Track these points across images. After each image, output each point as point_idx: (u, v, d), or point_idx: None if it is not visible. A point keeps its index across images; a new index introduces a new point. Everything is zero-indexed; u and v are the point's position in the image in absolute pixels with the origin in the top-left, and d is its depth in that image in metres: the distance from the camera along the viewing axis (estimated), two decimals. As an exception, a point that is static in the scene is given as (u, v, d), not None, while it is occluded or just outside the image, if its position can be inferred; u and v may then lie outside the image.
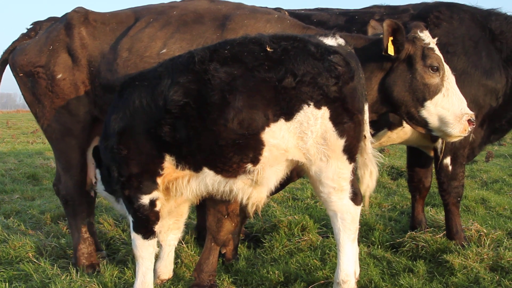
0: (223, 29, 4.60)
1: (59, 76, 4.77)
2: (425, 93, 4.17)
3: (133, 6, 5.47)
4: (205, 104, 3.67)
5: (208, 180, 3.85)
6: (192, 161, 3.83)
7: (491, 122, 5.29)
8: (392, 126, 5.16)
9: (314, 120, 3.64)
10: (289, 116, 3.64)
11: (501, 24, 5.21)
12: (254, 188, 3.88)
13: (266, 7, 5.24)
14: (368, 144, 4.00)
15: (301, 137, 3.68)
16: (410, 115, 4.29)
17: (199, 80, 3.71)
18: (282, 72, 3.64)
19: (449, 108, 4.16)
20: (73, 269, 4.70)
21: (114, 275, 4.61)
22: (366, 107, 3.94)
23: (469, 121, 4.17)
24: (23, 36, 5.19)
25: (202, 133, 3.70)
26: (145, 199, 3.98)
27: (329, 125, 3.68)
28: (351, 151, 3.79)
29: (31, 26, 5.26)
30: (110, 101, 4.67)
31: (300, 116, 3.64)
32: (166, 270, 4.58)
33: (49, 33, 4.95)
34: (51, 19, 5.25)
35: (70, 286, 4.33)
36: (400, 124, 5.14)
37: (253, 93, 3.62)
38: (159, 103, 3.79)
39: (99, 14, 4.99)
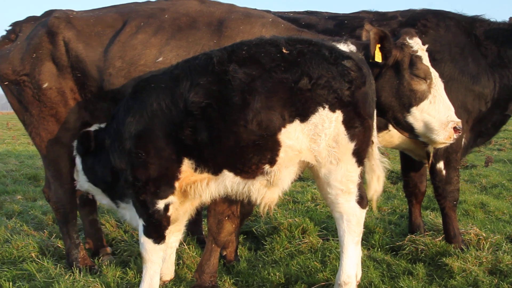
0: (220, 36, 4.54)
1: (45, 85, 4.67)
2: (411, 99, 4.19)
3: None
4: (227, 105, 3.70)
5: (228, 182, 3.88)
6: (212, 163, 3.84)
7: (477, 126, 5.35)
8: (377, 129, 5.21)
9: (329, 123, 3.71)
10: (304, 118, 3.70)
11: (485, 30, 5.30)
12: (268, 188, 3.93)
13: (251, 8, 5.15)
14: (375, 149, 4.08)
15: (314, 139, 3.74)
16: (396, 120, 4.33)
17: (220, 81, 3.74)
18: (298, 74, 3.69)
19: (435, 115, 4.18)
20: (76, 269, 4.75)
21: (117, 276, 4.65)
22: (375, 113, 4.00)
23: (454, 128, 4.18)
24: (3, 39, 5.02)
25: (224, 135, 3.72)
26: (161, 204, 3.98)
27: (342, 128, 3.75)
28: (360, 155, 3.86)
29: (10, 28, 5.08)
30: (103, 108, 4.65)
31: (315, 118, 3.70)
32: (168, 272, 4.63)
33: (30, 39, 4.78)
34: (30, 19, 5.07)
35: (73, 286, 4.38)
36: (386, 128, 5.20)
37: (271, 94, 3.67)
38: (179, 106, 3.79)
39: (82, 17, 4.81)
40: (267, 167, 3.79)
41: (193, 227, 5.85)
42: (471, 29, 5.34)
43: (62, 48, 4.66)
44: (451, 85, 5.01)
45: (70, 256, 5.00)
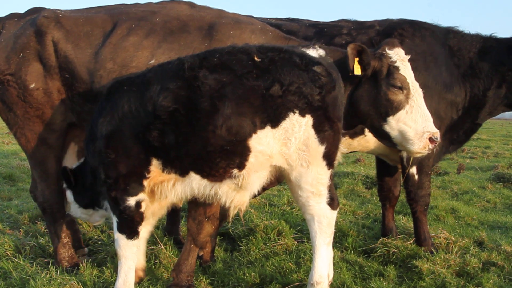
0: (210, 39, 4.59)
1: (32, 85, 4.62)
2: (388, 109, 4.26)
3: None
4: (195, 111, 3.76)
5: (194, 184, 3.94)
6: (179, 165, 3.91)
7: (449, 133, 5.52)
8: (353, 134, 5.33)
9: (299, 127, 3.78)
10: (275, 123, 3.77)
11: (459, 41, 5.50)
12: (237, 192, 3.99)
13: (240, 15, 5.25)
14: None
15: (285, 143, 3.81)
16: (374, 128, 4.44)
17: (189, 86, 3.80)
18: (269, 81, 3.77)
19: (411, 125, 4.24)
20: (53, 267, 4.75)
21: (94, 274, 4.67)
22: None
23: (430, 139, 4.23)
24: None
25: (191, 139, 3.78)
26: (131, 201, 4.05)
27: (312, 132, 3.83)
28: (330, 158, 3.94)
29: None
30: (90, 110, 4.59)
31: (285, 123, 3.78)
32: (139, 262, 4.63)
33: (16, 38, 4.70)
34: (13, 16, 4.98)
35: (50, 284, 4.39)
36: (362, 133, 5.32)
37: (242, 101, 3.74)
38: (148, 109, 3.86)
39: (71, 17, 4.75)
40: (235, 171, 3.84)
41: (171, 227, 5.90)
42: (445, 39, 5.52)
43: (51, 48, 4.62)
44: (425, 93, 5.15)
45: (58, 255, 5.00)
